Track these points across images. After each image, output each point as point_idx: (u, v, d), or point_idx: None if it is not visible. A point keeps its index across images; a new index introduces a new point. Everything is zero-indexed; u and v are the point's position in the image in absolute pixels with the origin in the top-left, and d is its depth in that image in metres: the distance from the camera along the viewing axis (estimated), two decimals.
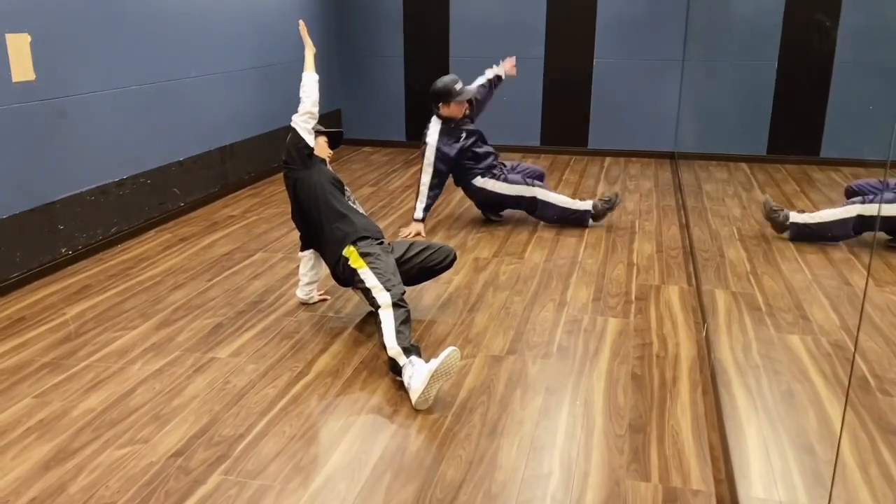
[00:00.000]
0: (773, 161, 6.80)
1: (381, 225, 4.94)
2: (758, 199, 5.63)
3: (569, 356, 3.15)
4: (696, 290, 3.85)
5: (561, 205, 4.80)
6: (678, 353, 3.16)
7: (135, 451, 2.48)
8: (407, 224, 4.85)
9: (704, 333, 3.32)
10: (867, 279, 3.67)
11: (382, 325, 2.96)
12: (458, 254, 3.69)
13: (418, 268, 3.48)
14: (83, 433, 2.58)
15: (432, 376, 2.68)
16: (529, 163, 5.25)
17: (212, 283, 3.99)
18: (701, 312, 3.56)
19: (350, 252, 3.26)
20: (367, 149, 7.59)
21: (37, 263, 3.96)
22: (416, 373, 2.74)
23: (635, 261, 4.31)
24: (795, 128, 6.79)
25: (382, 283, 3.09)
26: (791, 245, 4.51)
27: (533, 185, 4.80)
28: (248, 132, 5.96)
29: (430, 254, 3.50)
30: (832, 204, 5.45)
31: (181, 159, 5.18)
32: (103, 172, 4.45)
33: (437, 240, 4.68)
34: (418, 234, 4.71)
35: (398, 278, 3.16)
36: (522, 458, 2.44)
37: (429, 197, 4.72)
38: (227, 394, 2.85)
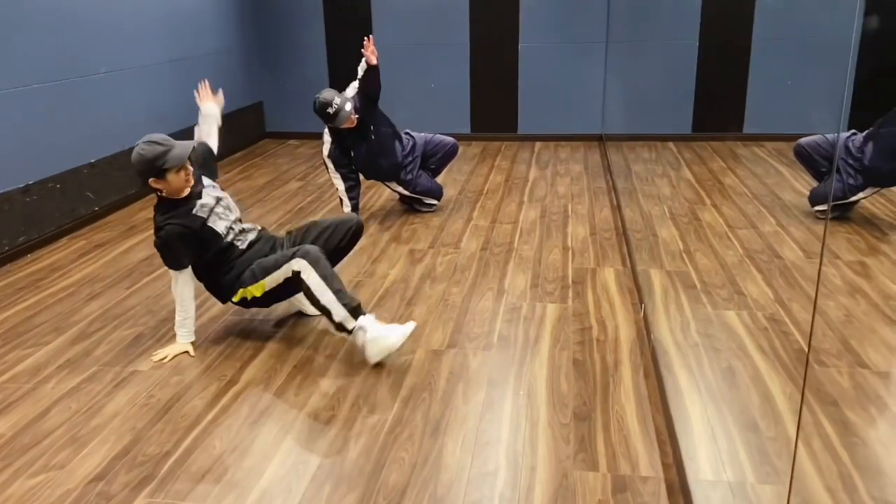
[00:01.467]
0: (698, 139, 6.89)
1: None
2: (686, 177, 5.70)
3: (509, 346, 3.08)
4: (631, 270, 3.84)
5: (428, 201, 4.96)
6: (618, 336, 3.13)
7: (49, 479, 2.29)
8: None
9: (642, 314, 3.30)
10: (822, 252, 3.71)
11: (314, 292, 2.86)
12: (364, 228, 3.40)
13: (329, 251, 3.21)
14: None
15: (388, 352, 2.88)
16: (441, 136, 4.97)
17: (131, 290, 3.77)
18: (637, 293, 3.54)
19: (243, 293, 3.09)
20: (292, 142, 7.37)
21: None
22: (370, 343, 2.86)
23: (570, 244, 4.27)
24: (718, 105, 6.91)
25: (282, 261, 2.95)
26: (721, 221, 4.56)
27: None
28: (165, 129, 5.59)
29: (329, 234, 3.19)
30: (757, 178, 5.55)
31: (93, 161, 4.89)
32: (6, 178, 4.15)
33: (371, 232, 4.56)
34: None
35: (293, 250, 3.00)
36: (468, 456, 2.35)
37: (351, 199, 4.60)
38: (151, 409, 2.67)
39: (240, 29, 6.99)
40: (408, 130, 4.88)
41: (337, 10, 7.17)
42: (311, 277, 2.87)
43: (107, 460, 2.38)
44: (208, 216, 3.04)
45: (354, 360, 2.99)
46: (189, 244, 3.01)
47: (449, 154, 4.94)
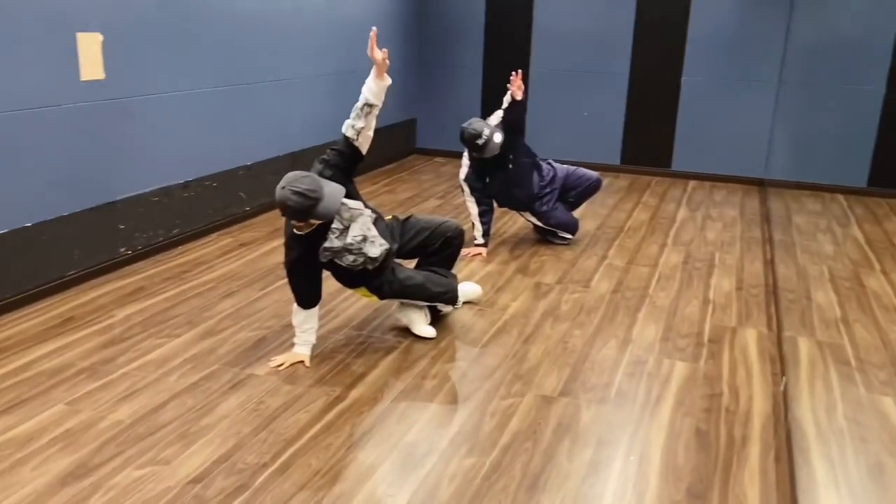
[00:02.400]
0: (873, 194, 6.28)
1: None
2: (854, 235, 5.18)
3: (627, 403, 2.88)
4: (776, 335, 3.50)
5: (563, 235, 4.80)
6: (751, 409, 2.85)
7: (154, 473, 2.37)
8: (467, 244, 4.62)
9: (782, 387, 2.99)
10: None
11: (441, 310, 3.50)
12: (464, 234, 3.54)
13: (421, 252, 3.45)
14: (106, 448, 2.49)
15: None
16: (584, 170, 4.82)
17: (264, 292, 3.90)
18: (780, 362, 3.22)
19: (368, 296, 3.35)
20: (439, 159, 7.44)
21: (94, 262, 3.96)
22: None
23: (711, 297, 3.98)
24: None
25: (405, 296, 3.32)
26: (890, 290, 4.08)
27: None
28: (319, 138, 5.88)
29: (426, 236, 3.39)
30: None
31: (249, 163, 5.15)
32: (168, 173, 4.43)
33: (498, 260, 4.47)
34: (479, 254, 4.52)
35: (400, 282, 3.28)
36: None
37: (483, 223, 4.54)
38: (259, 416, 2.72)
39: (402, 46, 7.15)
40: (551, 160, 4.77)
41: (498, 32, 7.17)
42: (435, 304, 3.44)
43: (208, 462, 2.43)
44: (332, 258, 3.06)
45: (462, 394, 2.91)
46: (314, 282, 3.13)
47: (590, 189, 4.77)
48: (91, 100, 3.83)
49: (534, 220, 4.71)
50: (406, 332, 3.43)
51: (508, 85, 4.40)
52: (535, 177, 4.59)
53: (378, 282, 3.24)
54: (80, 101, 3.77)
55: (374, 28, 3.20)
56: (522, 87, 4.39)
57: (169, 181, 4.44)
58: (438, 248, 3.43)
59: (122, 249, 4.14)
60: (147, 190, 4.28)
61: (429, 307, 3.45)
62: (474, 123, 4.34)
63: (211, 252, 4.51)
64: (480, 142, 4.28)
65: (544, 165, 4.69)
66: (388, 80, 3.15)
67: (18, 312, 3.50)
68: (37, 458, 2.42)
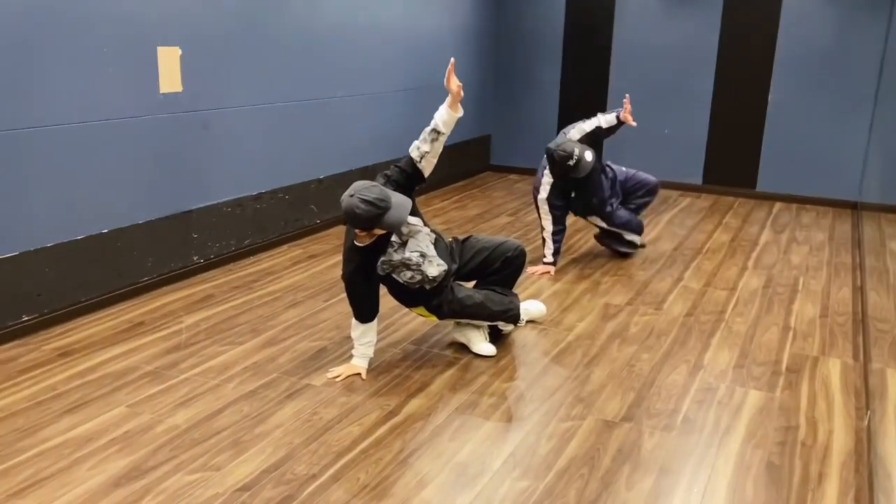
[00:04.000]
0: None
1: None
2: None
3: (694, 431, 2.72)
4: (862, 366, 3.26)
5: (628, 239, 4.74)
6: (829, 444, 2.64)
7: (204, 479, 2.37)
8: (535, 262, 4.53)
9: (867, 422, 2.76)
10: None
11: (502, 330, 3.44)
12: (528, 255, 3.52)
13: (480, 273, 3.39)
14: (161, 451, 2.52)
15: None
16: (643, 174, 4.73)
17: (328, 303, 3.91)
18: (866, 396, 2.98)
19: (425, 315, 3.32)
20: (512, 176, 7.36)
21: (167, 269, 4.06)
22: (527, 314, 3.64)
23: (793, 324, 3.75)
24: None
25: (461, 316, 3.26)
26: None
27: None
28: (390, 154, 5.90)
29: (486, 256, 3.34)
30: None
31: (321, 177, 5.21)
32: (242, 185, 4.53)
33: (568, 278, 4.36)
34: (547, 272, 4.41)
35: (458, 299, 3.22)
36: None
37: (555, 242, 4.44)
38: (312, 426, 2.70)
39: (477, 62, 7.14)
40: (608, 163, 4.68)
41: (576, 48, 7.06)
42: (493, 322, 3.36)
43: (258, 471, 2.42)
44: (389, 272, 3.06)
45: (519, 414, 2.82)
46: (371, 296, 3.09)
47: (649, 191, 4.69)
48: (169, 112, 3.95)
49: (601, 223, 4.59)
50: (466, 347, 3.36)
51: (620, 109, 4.38)
52: (604, 180, 4.52)
53: (437, 301, 3.19)
54: (158, 112, 3.89)
55: (452, 59, 3.15)
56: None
57: (242, 192, 4.53)
58: (498, 268, 3.36)
59: (195, 258, 4.24)
60: (220, 200, 4.38)
61: (489, 326, 3.38)
62: (563, 144, 4.22)
63: (280, 263, 4.57)
64: (572, 163, 4.17)
65: (606, 167, 4.62)
66: (461, 112, 3.13)
67: (92, 316, 3.62)
68: (94, 458, 2.47)
